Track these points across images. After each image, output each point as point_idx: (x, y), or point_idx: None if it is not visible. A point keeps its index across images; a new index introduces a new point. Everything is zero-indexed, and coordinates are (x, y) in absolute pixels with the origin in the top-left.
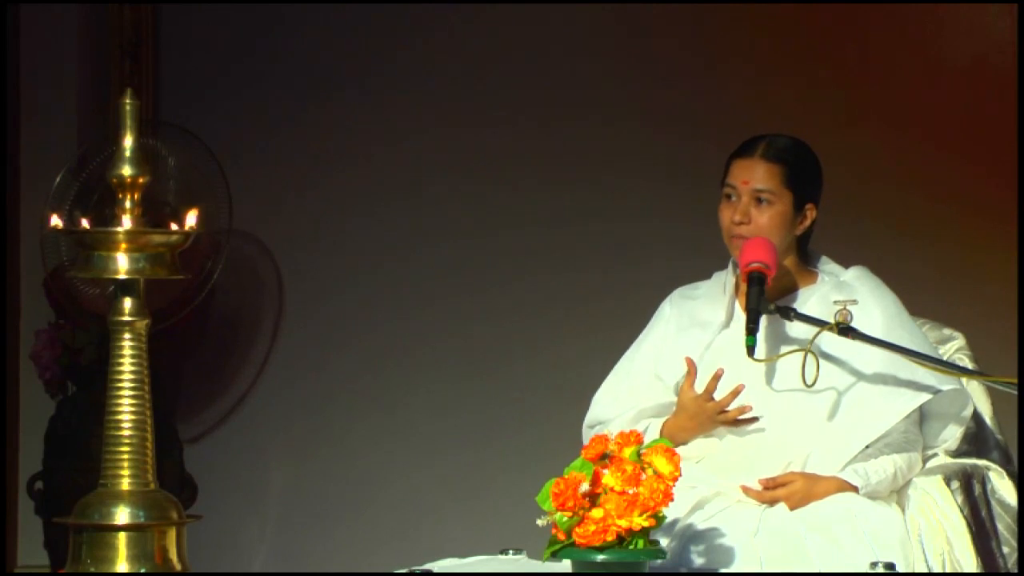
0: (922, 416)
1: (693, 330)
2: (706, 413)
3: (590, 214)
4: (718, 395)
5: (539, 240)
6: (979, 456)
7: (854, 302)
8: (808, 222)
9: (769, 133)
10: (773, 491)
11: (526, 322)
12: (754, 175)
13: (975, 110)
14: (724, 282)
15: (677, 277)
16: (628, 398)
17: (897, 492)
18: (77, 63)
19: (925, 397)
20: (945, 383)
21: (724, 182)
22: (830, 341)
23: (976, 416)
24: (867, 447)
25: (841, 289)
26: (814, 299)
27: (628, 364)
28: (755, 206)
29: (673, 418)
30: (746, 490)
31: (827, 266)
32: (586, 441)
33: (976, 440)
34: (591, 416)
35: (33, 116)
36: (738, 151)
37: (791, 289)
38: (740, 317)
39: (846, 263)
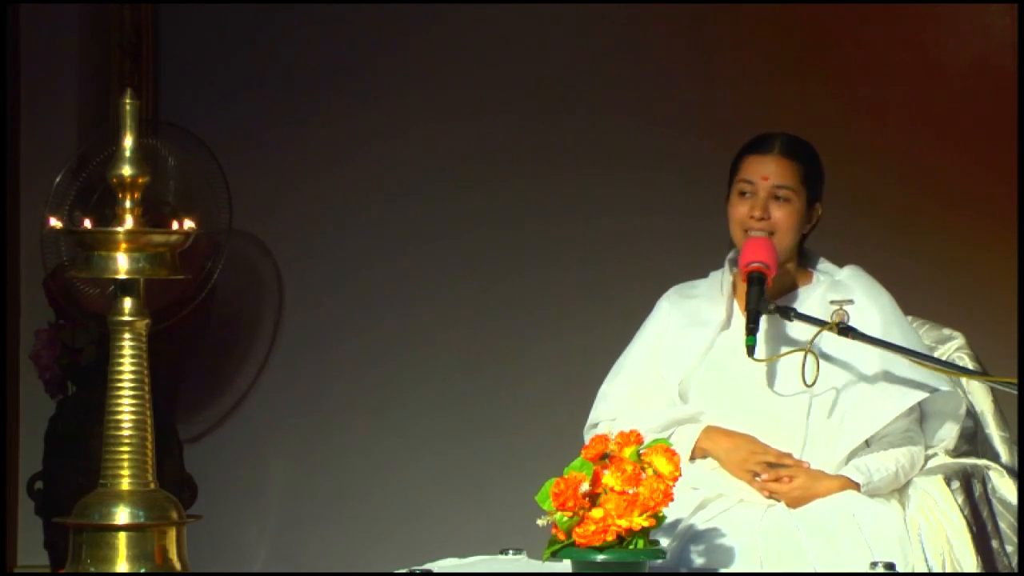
0: (922, 415)
1: (694, 329)
2: (750, 459)
3: (588, 209)
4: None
5: (539, 236)
6: (979, 455)
7: (850, 302)
8: (815, 221)
9: (777, 131)
10: (774, 484)
11: (527, 318)
12: (773, 171)
13: (975, 110)
14: (721, 281)
15: (676, 272)
16: (633, 398)
17: (898, 491)
18: (77, 63)
19: (921, 395)
20: (941, 384)
21: (738, 178)
22: (829, 341)
23: (976, 415)
24: (868, 445)
25: (837, 289)
26: (811, 299)
27: (630, 363)
28: (773, 202)
29: (722, 435)
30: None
31: (823, 266)
32: (588, 440)
33: (976, 439)
34: (595, 415)
35: (33, 116)
36: (753, 147)
37: (789, 289)
38: (739, 317)
39: (846, 262)
